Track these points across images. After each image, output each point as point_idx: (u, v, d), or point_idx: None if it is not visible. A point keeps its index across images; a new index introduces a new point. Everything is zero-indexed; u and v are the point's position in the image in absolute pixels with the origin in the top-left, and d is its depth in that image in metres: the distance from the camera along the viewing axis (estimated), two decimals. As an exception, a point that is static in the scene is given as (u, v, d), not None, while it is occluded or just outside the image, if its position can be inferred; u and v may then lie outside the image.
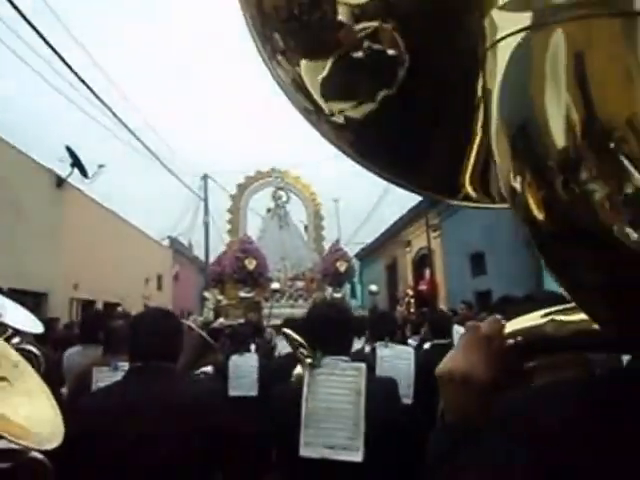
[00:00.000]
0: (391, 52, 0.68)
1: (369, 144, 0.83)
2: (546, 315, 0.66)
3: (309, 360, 2.22)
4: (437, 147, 0.78)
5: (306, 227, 13.47)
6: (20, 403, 1.16)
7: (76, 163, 12.34)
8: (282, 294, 10.12)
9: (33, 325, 3.12)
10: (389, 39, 0.67)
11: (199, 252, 24.39)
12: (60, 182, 12.70)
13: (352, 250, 15.96)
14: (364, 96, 0.76)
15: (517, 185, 0.46)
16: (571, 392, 0.58)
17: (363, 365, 2.24)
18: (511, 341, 0.68)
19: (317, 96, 0.79)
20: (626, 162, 0.39)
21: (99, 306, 14.02)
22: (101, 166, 13.53)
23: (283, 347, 5.19)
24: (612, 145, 0.39)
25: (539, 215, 0.45)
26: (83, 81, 9.86)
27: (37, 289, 11.26)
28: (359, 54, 0.70)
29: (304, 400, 2.12)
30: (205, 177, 21.31)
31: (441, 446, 0.69)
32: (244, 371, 4.27)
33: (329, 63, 0.74)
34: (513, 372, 0.69)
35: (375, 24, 0.67)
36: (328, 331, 2.27)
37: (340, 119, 0.79)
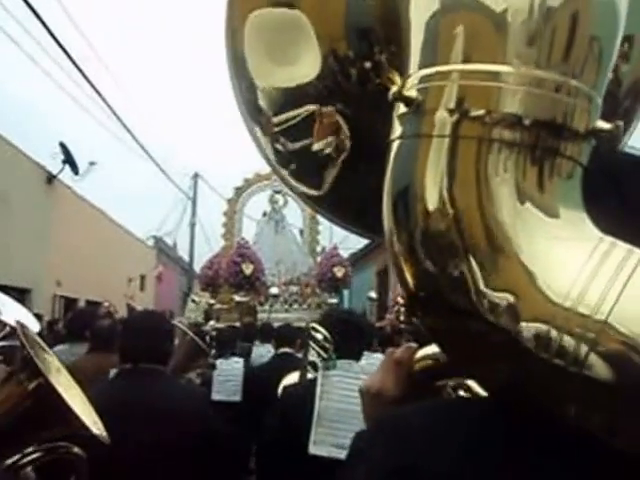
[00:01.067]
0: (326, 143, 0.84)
1: (334, 208, 1.01)
2: None
3: (324, 360, 2.28)
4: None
5: (301, 231, 13.43)
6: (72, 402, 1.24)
7: (68, 160, 12.21)
8: (270, 299, 10.08)
9: (29, 323, 3.06)
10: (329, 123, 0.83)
11: (183, 253, 24.29)
12: (50, 179, 12.56)
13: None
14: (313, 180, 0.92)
15: (394, 247, 0.62)
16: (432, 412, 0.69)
17: (375, 369, 2.26)
18: (422, 364, 0.82)
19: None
20: (459, 243, 0.54)
21: (82, 304, 13.85)
22: (92, 163, 13.46)
23: (259, 354, 5.23)
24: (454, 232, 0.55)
25: (404, 268, 0.61)
26: (79, 68, 9.72)
27: (22, 285, 11.09)
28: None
29: (317, 399, 2.18)
30: (196, 176, 21.18)
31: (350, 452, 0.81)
32: (229, 376, 4.25)
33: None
34: (422, 389, 0.82)
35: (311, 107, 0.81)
36: (345, 336, 2.36)
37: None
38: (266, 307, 9.85)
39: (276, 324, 5.77)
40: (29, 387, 1.16)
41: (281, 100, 0.85)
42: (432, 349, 0.82)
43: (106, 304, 8.85)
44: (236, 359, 4.44)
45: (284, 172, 0.95)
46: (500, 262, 0.53)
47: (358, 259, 21.02)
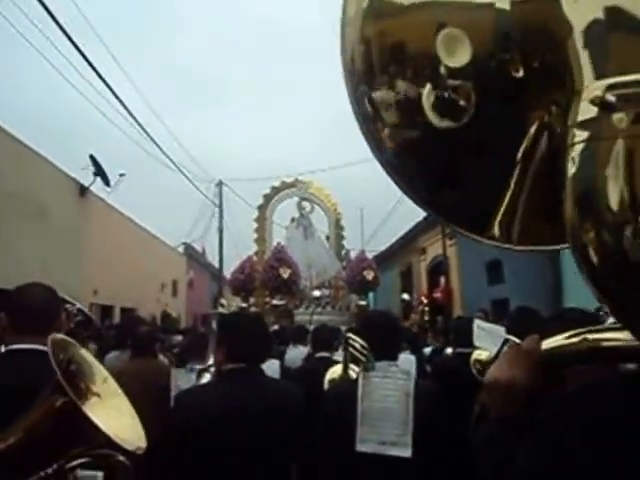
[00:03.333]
0: (462, 102, 0.91)
1: (417, 174, 1.04)
2: (576, 335, 0.88)
3: (363, 363, 2.45)
4: (476, 194, 1.00)
5: (328, 237, 13.67)
6: (110, 415, 1.33)
7: (99, 172, 12.59)
8: (310, 302, 10.35)
9: None
10: (465, 93, 0.90)
11: (212, 259, 24.68)
12: (83, 191, 12.99)
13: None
14: (427, 127, 0.95)
15: (582, 237, 0.68)
16: (606, 396, 0.77)
17: (412, 369, 2.42)
18: (551, 355, 0.89)
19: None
20: None
21: (117, 311, 14.26)
22: (122, 175, 13.78)
23: (293, 355, 5.30)
24: None
25: (594, 258, 0.67)
26: (102, 79, 9.90)
27: (60, 295, 11.44)
28: (439, 94, 0.93)
29: (359, 400, 2.31)
30: (220, 183, 21.50)
31: (488, 433, 0.92)
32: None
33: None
34: (550, 379, 0.89)
35: (459, 81, 0.90)
36: (383, 338, 2.49)
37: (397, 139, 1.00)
38: (301, 310, 10.14)
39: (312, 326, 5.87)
40: (56, 404, 1.24)
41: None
42: (557, 341, 0.89)
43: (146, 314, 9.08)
44: (272, 361, 4.62)
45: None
46: None
47: (382, 260, 21.12)
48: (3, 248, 9.36)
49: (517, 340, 2.39)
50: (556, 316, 1.92)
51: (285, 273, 10.50)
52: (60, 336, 1.43)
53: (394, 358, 2.49)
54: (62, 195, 12.07)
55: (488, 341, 3.69)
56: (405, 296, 11.99)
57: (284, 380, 2.81)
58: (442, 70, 0.90)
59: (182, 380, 2.94)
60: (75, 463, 1.29)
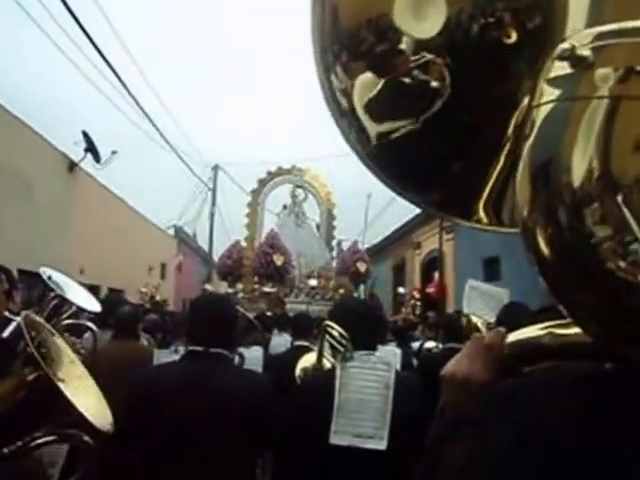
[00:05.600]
0: (435, 84, 0.80)
1: (393, 160, 0.94)
2: (545, 328, 0.78)
3: (341, 353, 2.30)
4: (458, 173, 0.90)
5: (318, 226, 13.57)
6: (75, 395, 1.32)
7: (90, 148, 12.35)
8: (300, 290, 10.26)
9: (92, 304, 3.15)
10: (437, 72, 0.79)
11: (203, 243, 24.54)
12: (72, 166, 12.72)
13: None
14: (402, 117, 0.87)
15: (530, 218, 0.58)
16: (567, 384, 0.70)
17: (392, 360, 2.31)
18: (513, 349, 0.80)
19: (359, 108, 0.91)
20: (628, 214, 0.49)
21: (104, 291, 14.07)
22: (114, 152, 13.52)
23: (277, 342, 5.26)
24: (619, 197, 0.50)
25: (545, 248, 0.56)
26: (103, 56, 9.75)
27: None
28: (407, 80, 0.82)
29: (336, 391, 2.20)
30: (216, 168, 21.33)
31: (435, 435, 0.85)
32: (249, 364, 4.33)
33: (381, 84, 0.86)
34: (512, 375, 0.81)
35: (430, 57, 0.79)
36: (362, 328, 2.36)
37: (372, 134, 0.91)
38: (291, 298, 10.06)
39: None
40: (28, 378, 1.25)
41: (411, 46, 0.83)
42: (523, 334, 0.81)
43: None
44: (256, 348, 4.54)
45: (362, 113, 0.93)
46: None
47: (374, 253, 21.03)
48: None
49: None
50: (545, 309, 1.77)
51: (279, 260, 10.42)
52: (33, 316, 1.46)
53: (373, 348, 2.38)
54: (50, 169, 11.81)
55: (484, 306, 3.28)
56: (401, 289, 11.90)
57: (246, 369, 2.76)
58: (405, 46, 0.78)
59: (165, 360, 2.91)
60: (41, 441, 1.30)
